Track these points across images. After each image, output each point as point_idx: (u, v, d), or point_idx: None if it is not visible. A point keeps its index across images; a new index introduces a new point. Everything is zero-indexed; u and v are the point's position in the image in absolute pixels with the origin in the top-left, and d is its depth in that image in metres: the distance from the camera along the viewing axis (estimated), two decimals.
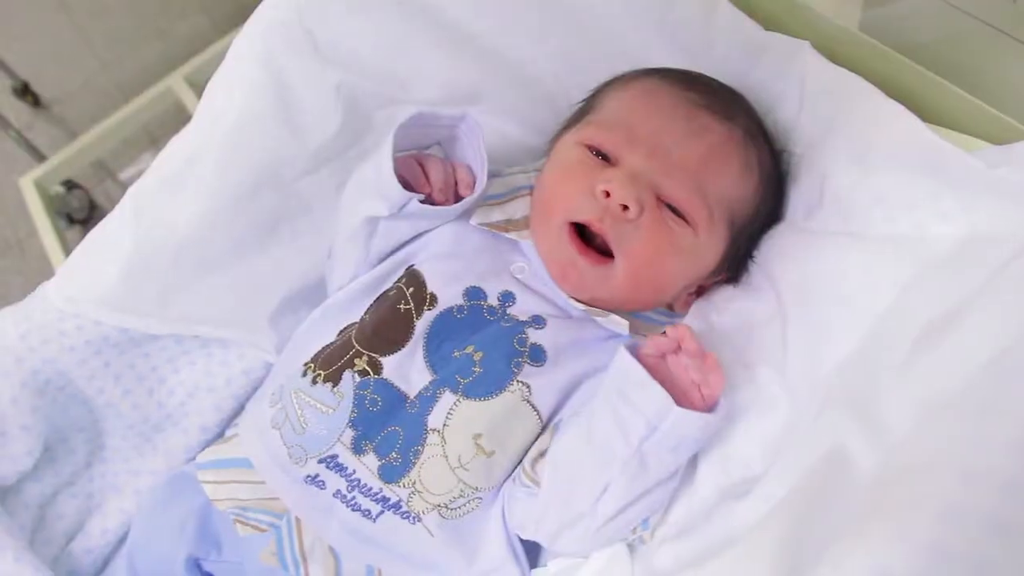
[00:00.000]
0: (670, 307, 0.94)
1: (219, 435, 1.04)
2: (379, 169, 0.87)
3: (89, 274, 0.97)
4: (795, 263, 0.85)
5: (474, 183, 0.91)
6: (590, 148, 0.88)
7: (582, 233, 0.87)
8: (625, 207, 0.82)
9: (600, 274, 0.85)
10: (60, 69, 2.18)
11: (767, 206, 0.92)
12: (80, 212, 2.20)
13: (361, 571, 0.86)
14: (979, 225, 0.72)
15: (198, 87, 2.09)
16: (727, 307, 0.90)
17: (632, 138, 0.86)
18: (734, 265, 0.93)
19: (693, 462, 0.83)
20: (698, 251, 0.87)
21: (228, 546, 0.90)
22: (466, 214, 0.92)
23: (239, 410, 1.04)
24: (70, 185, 2.19)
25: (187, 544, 0.89)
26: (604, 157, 0.87)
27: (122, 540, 1.02)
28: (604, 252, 0.86)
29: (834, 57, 0.94)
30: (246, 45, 0.95)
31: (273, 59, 0.95)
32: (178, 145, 0.98)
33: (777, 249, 0.89)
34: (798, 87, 0.92)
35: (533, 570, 0.87)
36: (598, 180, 0.83)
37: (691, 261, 0.88)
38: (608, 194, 0.82)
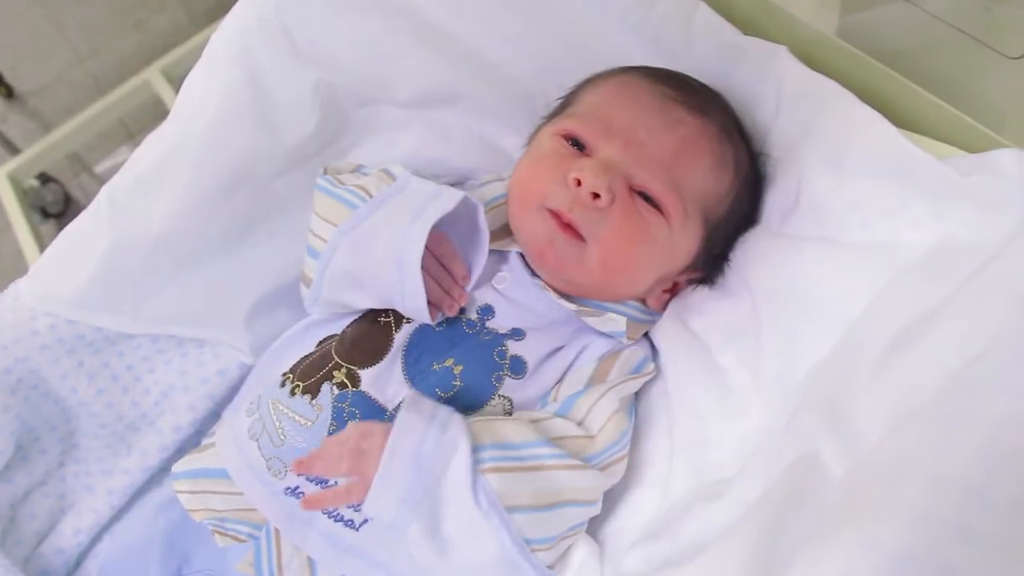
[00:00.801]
0: (644, 302, 0.94)
1: (194, 435, 1.03)
2: (403, 291, 0.84)
3: (63, 272, 0.96)
4: (771, 267, 0.85)
5: (466, 272, 0.90)
6: (566, 139, 0.88)
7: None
8: (596, 195, 0.82)
9: (577, 252, 0.84)
10: (35, 61, 2.15)
11: (743, 205, 0.92)
12: (55, 206, 2.18)
13: None
14: (951, 232, 0.72)
15: (175, 81, 2.08)
16: (702, 309, 0.91)
17: (607, 129, 0.86)
18: (708, 265, 0.93)
19: (669, 464, 0.83)
20: (671, 243, 0.87)
21: (199, 557, 0.90)
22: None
23: (214, 410, 1.04)
24: (44, 178, 2.17)
25: (156, 567, 0.89)
26: (580, 148, 0.87)
27: (95, 540, 1.01)
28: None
29: (811, 62, 0.94)
30: (223, 42, 0.95)
31: (250, 57, 0.94)
32: (154, 143, 0.97)
33: (753, 253, 0.89)
34: (775, 91, 0.92)
35: None
36: (571, 169, 0.83)
37: (664, 253, 0.88)
38: (579, 182, 0.82)
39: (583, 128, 0.88)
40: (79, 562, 1.01)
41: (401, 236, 0.84)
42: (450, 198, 0.85)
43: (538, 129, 0.97)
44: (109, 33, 2.20)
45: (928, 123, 0.86)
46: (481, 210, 0.87)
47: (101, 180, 2.22)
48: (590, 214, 0.83)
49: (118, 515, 1.02)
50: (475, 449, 0.76)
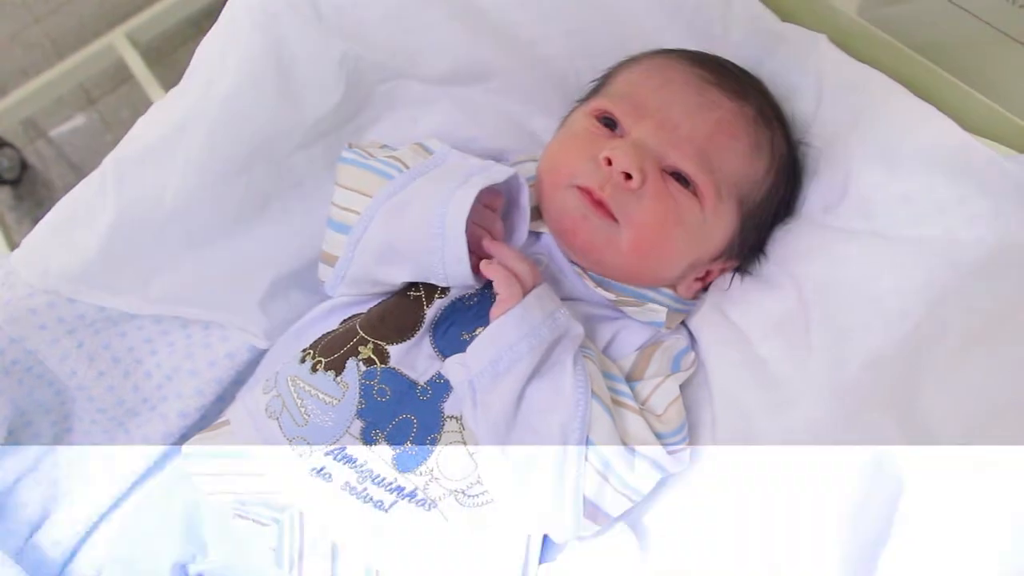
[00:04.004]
0: (675, 289, 0.91)
1: (200, 421, 0.98)
2: (443, 259, 0.81)
3: (63, 248, 0.90)
4: (820, 260, 0.84)
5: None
6: (598, 118, 0.87)
7: None
8: (628, 176, 0.81)
9: (610, 232, 0.83)
10: None
11: (780, 193, 0.90)
12: (10, 172, 2.07)
13: (360, 573, 0.82)
14: (1012, 232, 0.72)
15: (141, 46, 1.99)
16: (742, 299, 0.89)
17: (640, 110, 0.85)
18: (744, 254, 0.92)
19: (713, 457, 0.82)
20: (704, 227, 0.86)
21: (214, 545, 0.85)
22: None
23: (222, 395, 0.99)
24: None
25: (171, 551, 0.84)
26: (612, 128, 0.86)
27: (91, 531, 0.96)
28: None
29: (845, 51, 0.93)
30: (245, 7, 0.89)
31: (274, 25, 0.89)
32: (165, 111, 0.91)
33: (797, 244, 0.88)
34: (815, 80, 0.91)
35: (541, 565, 0.85)
36: (602, 148, 0.82)
37: (696, 237, 0.86)
38: (610, 162, 0.81)
39: (616, 108, 0.86)
40: (75, 552, 0.95)
41: (443, 203, 0.80)
42: (500, 172, 0.83)
43: (571, 111, 0.95)
44: None
45: (963, 117, 0.85)
46: (526, 190, 0.85)
47: (58, 146, 2.12)
48: (621, 195, 0.82)
49: (117, 503, 0.97)
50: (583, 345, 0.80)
